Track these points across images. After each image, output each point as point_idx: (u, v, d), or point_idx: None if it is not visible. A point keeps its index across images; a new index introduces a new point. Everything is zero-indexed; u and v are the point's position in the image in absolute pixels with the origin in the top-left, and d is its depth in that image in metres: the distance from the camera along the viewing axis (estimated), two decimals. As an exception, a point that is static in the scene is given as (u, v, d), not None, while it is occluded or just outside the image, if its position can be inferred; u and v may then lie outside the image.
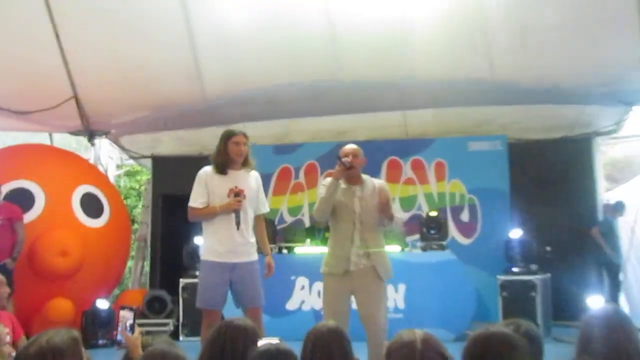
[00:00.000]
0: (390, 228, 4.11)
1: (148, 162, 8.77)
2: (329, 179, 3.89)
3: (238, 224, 3.87)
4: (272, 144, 8.04)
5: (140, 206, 9.68)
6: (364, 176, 4.02)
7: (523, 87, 6.72)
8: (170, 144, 8.40)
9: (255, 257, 4.04)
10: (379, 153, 7.73)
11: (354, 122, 7.72)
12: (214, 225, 3.96)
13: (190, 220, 4.03)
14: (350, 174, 3.93)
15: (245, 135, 4.06)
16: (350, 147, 4.01)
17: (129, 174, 11.16)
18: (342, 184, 3.95)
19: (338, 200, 3.89)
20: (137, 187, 11.16)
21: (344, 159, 3.86)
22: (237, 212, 3.91)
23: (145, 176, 10.16)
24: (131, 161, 9.50)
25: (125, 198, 10.37)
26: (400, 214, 4.05)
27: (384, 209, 3.82)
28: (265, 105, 7.28)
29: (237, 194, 3.93)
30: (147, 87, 6.99)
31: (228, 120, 6.65)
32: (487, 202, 7.48)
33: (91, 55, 6.68)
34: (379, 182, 4.04)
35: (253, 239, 4.06)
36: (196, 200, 3.96)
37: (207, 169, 4.05)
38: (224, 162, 4.00)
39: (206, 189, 3.98)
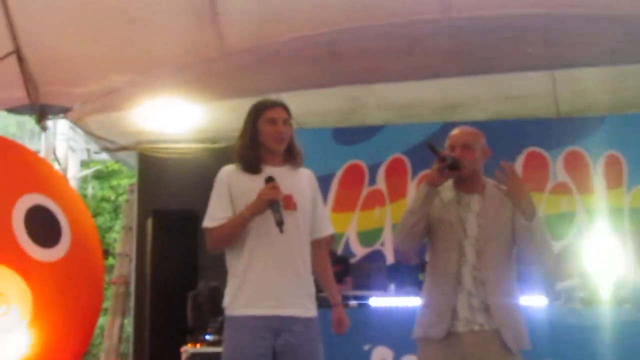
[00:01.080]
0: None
1: (131, 157, 8.99)
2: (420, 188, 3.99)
3: (281, 224, 3.91)
4: (332, 126, 8.12)
5: (118, 228, 9.90)
6: (488, 180, 4.06)
7: None
8: (168, 127, 8.56)
9: (314, 311, 4.10)
10: (511, 141, 7.76)
11: (469, 90, 7.74)
12: (245, 253, 4.03)
13: (211, 249, 4.10)
14: (461, 176, 3.98)
15: (286, 109, 4.14)
16: (460, 131, 4.06)
17: (101, 176, 11.38)
18: (447, 192, 4.02)
19: (438, 218, 3.97)
20: (114, 197, 11.40)
21: (443, 152, 3.91)
22: (275, 206, 3.94)
23: (127, 180, 10.36)
24: (104, 155, 9.71)
25: (95, 215, 10.59)
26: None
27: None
28: (320, 62, 7.30)
29: (270, 178, 3.99)
30: (129, 34, 7.08)
31: (258, 88, 6.70)
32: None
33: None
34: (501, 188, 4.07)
35: (312, 282, 4.12)
36: (214, 218, 4.03)
37: (229, 168, 4.12)
38: (254, 154, 4.08)
39: (229, 198, 4.06)
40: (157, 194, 8.59)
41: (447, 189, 4.04)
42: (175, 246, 8.49)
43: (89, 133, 8.67)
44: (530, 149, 7.86)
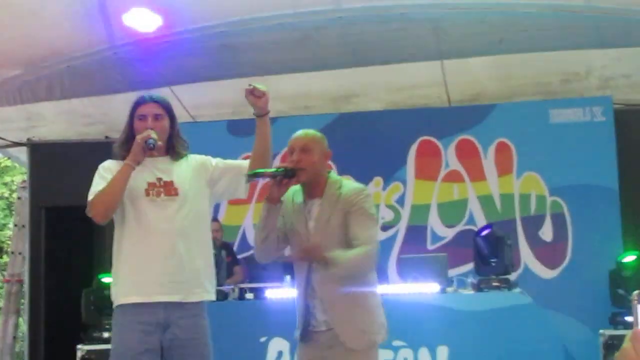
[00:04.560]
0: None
1: (22, 153, 8.83)
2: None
3: (152, 144, 4.00)
4: (227, 118, 8.14)
5: (11, 225, 9.72)
6: (333, 179, 4.08)
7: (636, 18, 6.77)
8: (59, 122, 8.45)
9: (203, 295, 4.15)
10: (404, 130, 7.89)
11: (362, 80, 7.84)
12: (124, 239, 4.12)
13: (97, 217, 4.11)
14: (303, 182, 4.00)
15: (160, 103, 4.21)
16: (299, 135, 4.08)
17: (-9, 173, 11.16)
18: (298, 197, 4.06)
19: (290, 226, 4.04)
20: (7, 193, 11.19)
21: (267, 172, 3.96)
22: (150, 142, 4.03)
23: (20, 176, 10.16)
24: (-6, 151, 9.49)
25: (-14, 213, 10.34)
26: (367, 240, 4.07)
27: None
28: (214, 55, 7.30)
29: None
30: (20, 21, 6.92)
31: (148, 80, 6.77)
32: (583, 208, 7.57)
33: None
34: (350, 188, 4.09)
35: (204, 265, 4.17)
36: (96, 190, 4.09)
37: (110, 164, 4.19)
38: (129, 150, 4.14)
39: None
40: (49, 190, 8.42)
41: (299, 193, 4.08)
42: (69, 243, 8.37)
43: (-22, 129, 8.49)
44: (423, 137, 7.95)
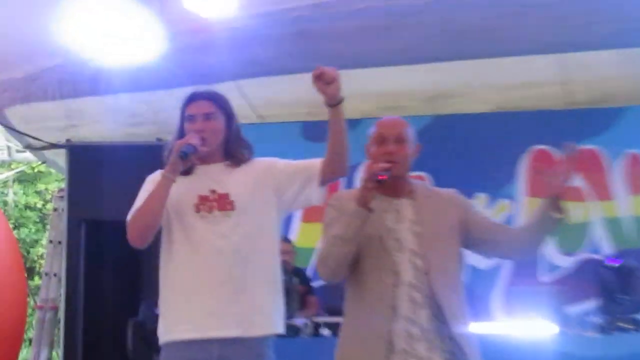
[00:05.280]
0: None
1: (59, 157, 8.97)
2: (349, 204, 3.82)
3: (184, 154, 3.97)
4: (301, 120, 8.23)
5: (44, 242, 9.82)
6: (416, 183, 4.05)
7: None
8: (104, 120, 8.57)
9: (271, 329, 4.11)
10: (513, 138, 7.89)
11: (463, 76, 7.82)
12: (171, 266, 4.11)
13: (132, 241, 4.11)
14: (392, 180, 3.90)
15: (212, 100, 4.22)
16: (392, 121, 4.05)
17: (24, 180, 11.33)
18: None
19: (363, 233, 3.85)
20: (40, 204, 11.33)
21: (375, 168, 3.77)
22: (188, 149, 4.01)
23: (56, 184, 10.29)
24: (28, 154, 9.72)
25: (17, 227, 10.53)
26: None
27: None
28: (288, 44, 7.35)
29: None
30: (60, 1, 7.04)
31: (210, 73, 6.84)
32: None
33: None
34: (447, 190, 4.10)
35: (269, 292, 4.13)
36: (134, 209, 4.13)
37: (158, 175, 4.20)
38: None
39: None
40: (91, 200, 8.50)
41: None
42: (113, 264, 8.46)
43: (9, 128, 8.70)
44: (537, 146, 7.93)
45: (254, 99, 7.82)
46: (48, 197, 11.08)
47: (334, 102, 4.04)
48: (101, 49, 7.20)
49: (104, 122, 8.57)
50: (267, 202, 4.17)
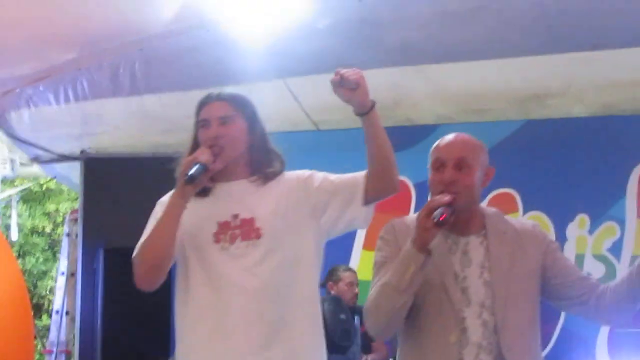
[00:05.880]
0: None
1: (73, 170, 8.98)
2: (405, 239, 3.74)
3: (191, 178, 3.89)
4: (360, 126, 8.03)
5: (54, 273, 9.84)
6: (486, 210, 3.96)
7: None
8: (127, 127, 8.55)
9: None
10: (622, 147, 7.81)
11: (561, 72, 7.71)
12: (194, 285, 4.11)
13: (138, 283, 4.10)
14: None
15: (227, 99, 4.18)
16: (452, 141, 3.92)
17: (31, 199, 11.32)
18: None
19: (423, 279, 3.76)
20: (50, 228, 11.40)
21: (434, 204, 3.67)
22: (197, 169, 3.95)
23: (69, 204, 10.35)
24: (35, 168, 9.67)
25: (22, 254, 10.61)
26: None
27: None
28: (350, 35, 7.22)
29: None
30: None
31: (254, 69, 6.83)
32: None
33: None
34: (527, 223, 4.08)
35: (308, 332, 4.08)
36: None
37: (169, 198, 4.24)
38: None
39: None
40: (111, 224, 8.48)
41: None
42: (137, 300, 8.40)
43: (13, 136, 8.66)
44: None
45: (306, 101, 7.77)
46: (59, 219, 11.09)
47: (364, 110, 3.94)
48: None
49: (127, 129, 8.52)
50: (302, 226, 4.11)
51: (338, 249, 7.49)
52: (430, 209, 3.60)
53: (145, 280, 4.02)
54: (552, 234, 7.52)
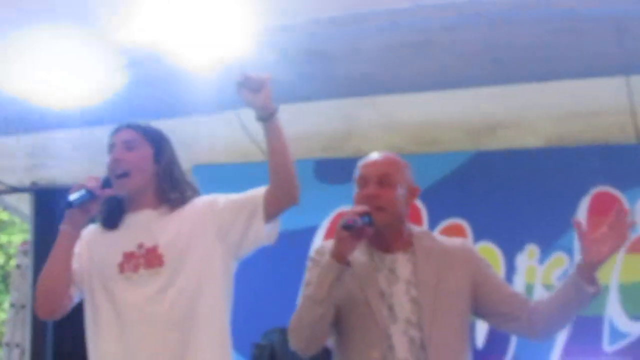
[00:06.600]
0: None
1: (23, 202, 9.02)
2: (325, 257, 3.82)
3: (69, 203, 4.01)
4: (314, 157, 8.12)
5: (6, 306, 9.80)
6: (413, 229, 4.02)
7: None
8: (77, 157, 8.53)
9: None
10: (572, 177, 7.85)
11: (512, 103, 7.77)
12: (101, 318, 4.19)
13: (37, 312, 4.26)
14: (382, 230, 3.88)
15: (134, 128, 4.29)
16: (376, 160, 4.05)
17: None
18: (356, 253, 3.86)
19: (347, 296, 3.84)
20: (2, 260, 11.42)
21: (349, 219, 3.75)
22: (70, 204, 4.06)
23: (21, 235, 10.35)
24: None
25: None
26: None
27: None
28: (299, 66, 7.27)
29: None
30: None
31: (205, 100, 6.88)
32: None
33: None
34: (457, 241, 4.18)
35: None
36: None
37: (90, 228, 4.36)
38: (107, 205, 4.25)
39: (78, 262, 4.27)
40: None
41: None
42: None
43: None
44: (599, 188, 7.84)
45: (255, 131, 7.80)
46: (12, 251, 11.04)
47: (265, 114, 4.04)
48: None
49: (76, 160, 8.49)
50: (208, 249, 4.16)
51: (290, 280, 7.45)
52: (345, 219, 3.69)
53: (42, 309, 4.18)
54: (501, 264, 7.53)
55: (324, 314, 3.76)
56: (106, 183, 4.09)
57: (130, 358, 4.01)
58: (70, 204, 3.98)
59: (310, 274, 3.97)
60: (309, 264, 4.03)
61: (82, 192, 4.00)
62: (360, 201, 3.88)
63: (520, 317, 3.93)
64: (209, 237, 4.12)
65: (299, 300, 3.90)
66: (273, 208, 4.06)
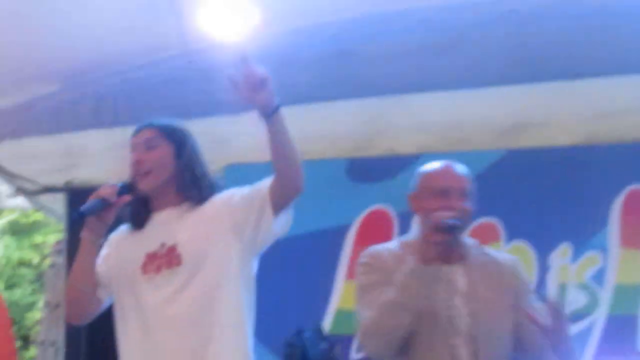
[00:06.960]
0: None
1: (57, 203, 8.95)
2: (391, 264, 3.81)
3: (82, 213, 4.02)
4: (345, 156, 8.10)
5: (41, 305, 9.78)
6: (468, 244, 4.02)
7: None
8: (109, 158, 8.41)
9: None
10: (605, 176, 7.79)
11: (542, 102, 7.73)
12: (127, 319, 4.20)
13: (67, 317, 4.41)
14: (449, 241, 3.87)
15: (154, 126, 4.31)
16: (453, 171, 4.07)
17: (17, 231, 11.32)
18: (409, 264, 3.86)
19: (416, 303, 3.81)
20: (37, 260, 11.34)
21: (441, 216, 3.77)
22: (82, 214, 4.09)
23: (55, 235, 10.31)
24: (22, 200, 9.62)
25: (9, 286, 10.57)
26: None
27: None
28: (327, 66, 7.29)
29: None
30: (58, 15, 7.01)
31: (235, 100, 6.71)
32: None
33: None
34: (506, 256, 4.17)
35: (236, 356, 4.12)
36: None
37: (120, 230, 4.38)
38: (139, 202, 4.27)
39: (105, 264, 4.28)
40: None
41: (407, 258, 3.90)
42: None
43: (-3, 168, 8.66)
44: (634, 186, 7.76)
45: (291, 131, 7.79)
46: (46, 251, 11.04)
47: (268, 112, 4.02)
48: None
49: (109, 159, 8.51)
50: (225, 247, 4.12)
51: (320, 279, 7.47)
52: (440, 219, 3.72)
53: (71, 315, 4.25)
54: (534, 263, 7.49)
55: (408, 321, 3.75)
56: (122, 190, 4.10)
57: (153, 357, 4.04)
58: (80, 214, 4.01)
59: (367, 277, 3.95)
60: (364, 267, 4.00)
61: (94, 201, 4.03)
62: (445, 211, 3.83)
63: (526, 354, 3.92)
64: (226, 235, 4.11)
65: (368, 305, 3.86)
66: (279, 200, 4.04)
